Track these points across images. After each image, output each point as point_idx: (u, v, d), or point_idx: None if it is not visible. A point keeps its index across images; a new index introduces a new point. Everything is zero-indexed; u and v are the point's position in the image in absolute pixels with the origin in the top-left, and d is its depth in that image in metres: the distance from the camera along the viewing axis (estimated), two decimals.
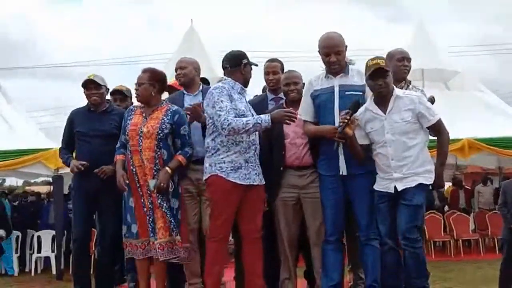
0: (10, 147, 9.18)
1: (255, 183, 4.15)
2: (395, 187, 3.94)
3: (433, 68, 10.66)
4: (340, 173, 4.11)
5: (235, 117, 3.99)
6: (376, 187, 4.05)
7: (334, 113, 4.07)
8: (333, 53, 4.08)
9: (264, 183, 4.24)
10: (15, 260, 10.02)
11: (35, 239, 10.06)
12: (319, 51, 4.16)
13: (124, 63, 58.06)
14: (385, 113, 3.97)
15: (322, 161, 4.23)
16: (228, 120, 3.95)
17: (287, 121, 4.02)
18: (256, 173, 4.16)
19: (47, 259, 9.98)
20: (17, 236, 10.19)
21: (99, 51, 70.07)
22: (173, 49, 11.85)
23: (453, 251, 10.57)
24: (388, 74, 3.93)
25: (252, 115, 4.15)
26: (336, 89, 4.12)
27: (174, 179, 4.33)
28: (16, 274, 9.88)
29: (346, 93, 4.09)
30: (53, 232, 9.69)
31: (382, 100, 3.99)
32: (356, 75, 4.16)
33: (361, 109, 4.03)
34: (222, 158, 4.09)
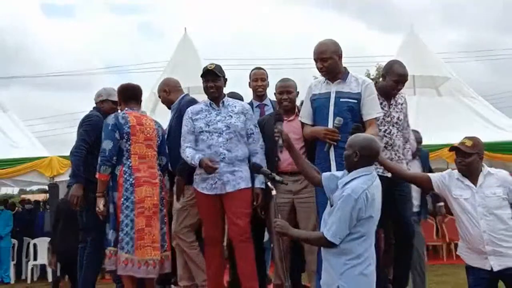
0: (5, 156, 9.22)
1: (222, 192, 4.34)
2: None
3: (424, 75, 10.76)
4: None
5: (195, 139, 4.42)
6: (468, 262, 3.95)
7: (328, 118, 4.16)
8: (319, 60, 4.20)
9: (241, 187, 4.37)
10: (12, 267, 10.04)
11: (31, 246, 10.09)
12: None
13: (118, 72, 58.16)
14: (475, 186, 3.88)
15: (318, 164, 4.28)
16: (181, 148, 4.45)
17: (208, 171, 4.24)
18: (222, 182, 4.34)
19: (43, 266, 9.98)
20: (13, 244, 10.22)
21: (93, 60, 70.00)
22: (167, 58, 11.92)
23: (446, 254, 10.65)
24: (470, 156, 3.84)
25: (209, 128, 4.39)
26: (332, 95, 4.21)
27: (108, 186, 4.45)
28: (12, 282, 9.89)
29: (341, 100, 4.18)
30: (49, 240, 9.70)
31: (470, 175, 3.93)
32: (354, 82, 4.24)
33: (447, 176, 3.99)
34: (197, 171, 4.42)
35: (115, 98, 5.01)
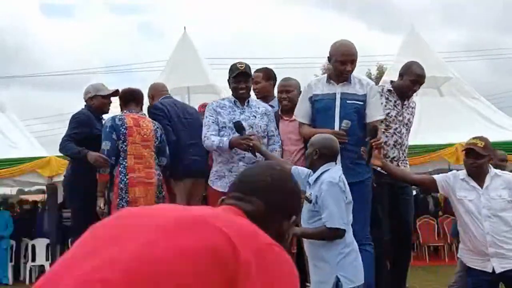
0: (4, 156, 9.16)
1: None
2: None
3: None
4: None
5: (218, 130, 4.30)
6: (469, 264, 3.92)
7: (334, 120, 4.09)
8: (349, 62, 4.11)
9: None
10: (10, 269, 9.99)
11: (29, 247, 10.04)
12: (330, 58, 4.17)
13: (117, 71, 58.20)
14: (481, 188, 3.85)
15: None
16: (205, 137, 4.33)
17: (244, 147, 4.11)
18: None
19: (41, 267, 9.92)
20: (12, 245, 10.16)
21: (93, 60, 69.89)
22: (166, 57, 11.83)
23: (447, 255, 10.62)
24: (483, 157, 3.80)
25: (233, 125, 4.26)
26: (338, 97, 4.13)
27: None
28: (10, 283, 9.84)
29: (348, 101, 4.12)
30: (48, 241, 9.67)
31: (478, 176, 3.89)
32: (358, 84, 4.19)
33: (452, 177, 3.95)
34: (213, 168, 4.40)
35: (104, 93, 4.98)
